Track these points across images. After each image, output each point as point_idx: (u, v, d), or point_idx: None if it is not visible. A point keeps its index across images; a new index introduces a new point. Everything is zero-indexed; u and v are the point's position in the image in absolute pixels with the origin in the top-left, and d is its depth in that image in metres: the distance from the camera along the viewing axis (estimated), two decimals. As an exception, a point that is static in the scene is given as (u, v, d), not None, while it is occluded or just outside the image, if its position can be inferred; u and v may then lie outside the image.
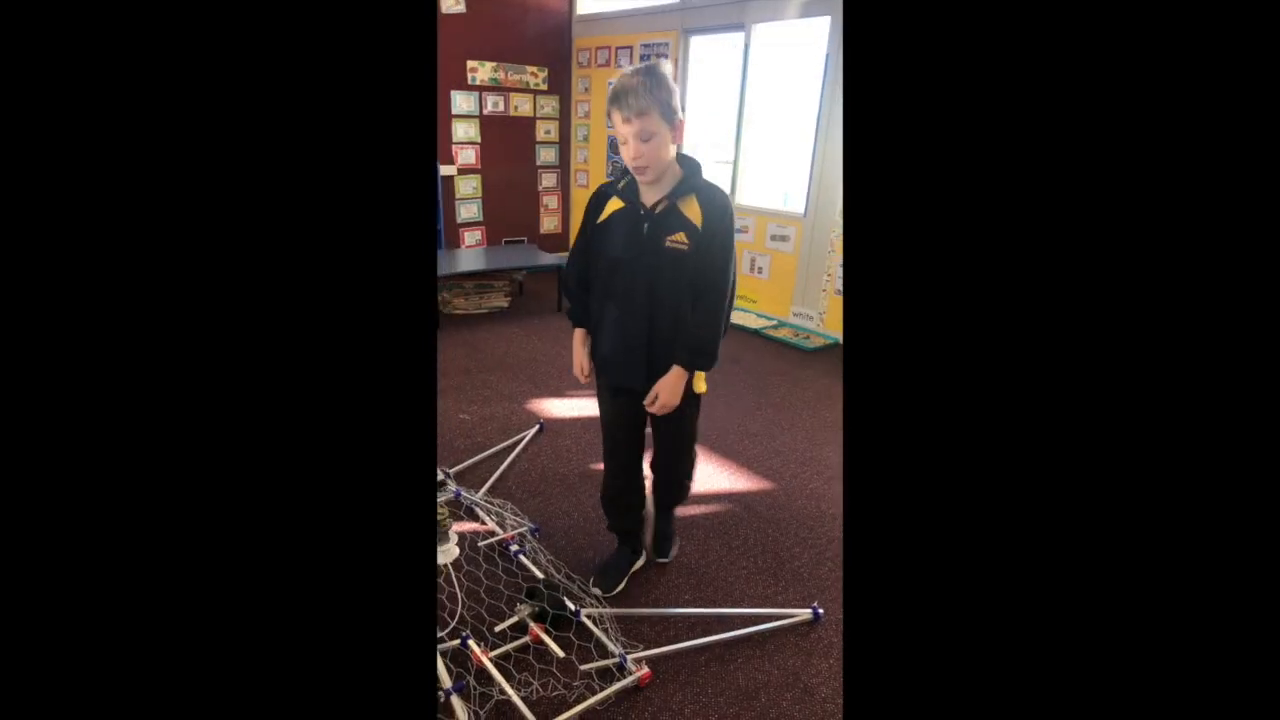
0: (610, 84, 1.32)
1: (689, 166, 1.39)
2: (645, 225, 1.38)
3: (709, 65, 4.46)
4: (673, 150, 1.34)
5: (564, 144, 5.42)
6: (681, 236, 1.36)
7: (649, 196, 1.39)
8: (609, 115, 1.32)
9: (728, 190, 4.27)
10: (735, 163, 4.26)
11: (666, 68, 1.31)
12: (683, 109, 1.32)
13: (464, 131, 4.88)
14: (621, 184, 1.43)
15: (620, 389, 1.57)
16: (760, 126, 4.16)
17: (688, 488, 1.81)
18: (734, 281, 1.45)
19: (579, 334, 1.59)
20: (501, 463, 2.35)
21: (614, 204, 1.44)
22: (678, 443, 1.69)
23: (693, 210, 1.37)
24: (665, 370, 1.47)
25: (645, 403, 1.50)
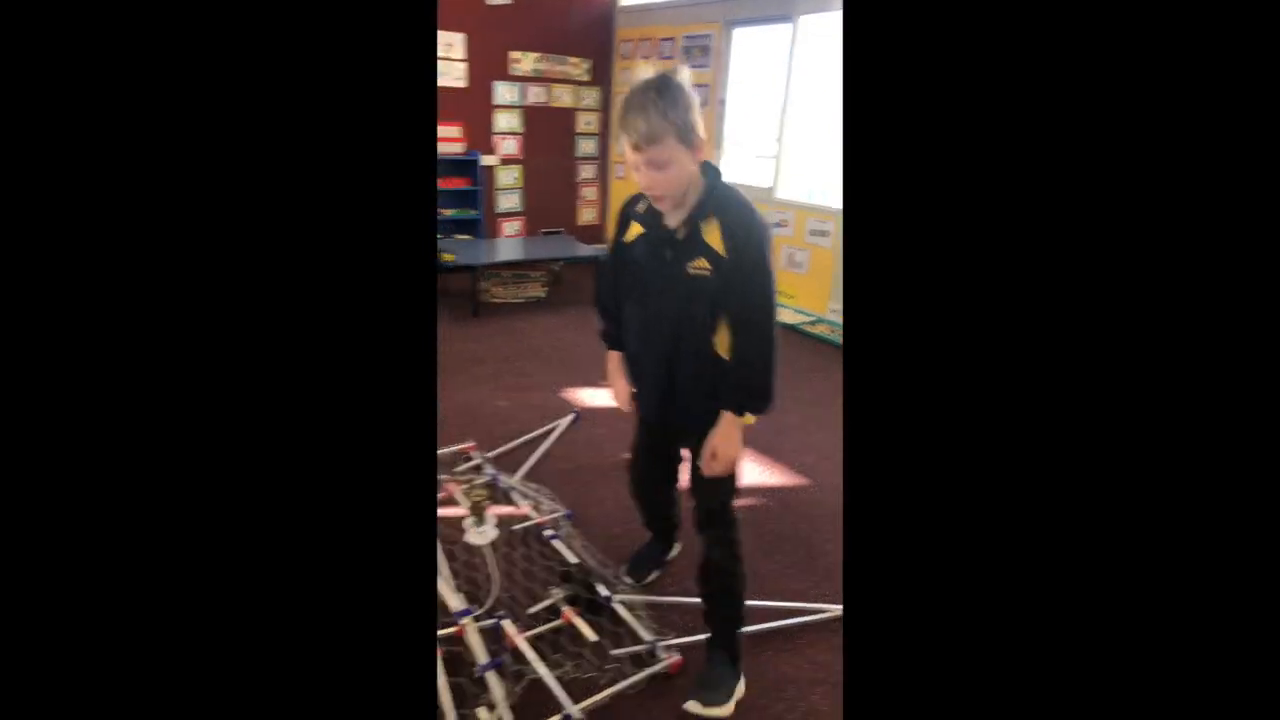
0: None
1: (709, 177, 1.22)
2: (668, 252, 1.24)
3: (753, 58, 4.41)
4: (693, 169, 1.17)
5: (604, 136, 5.43)
6: (703, 263, 1.20)
7: (671, 218, 1.24)
8: (619, 139, 1.17)
9: (768, 182, 4.24)
10: (777, 157, 4.22)
11: (684, 75, 1.13)
12: (708, 119, 1.22)
13: (506, 122, 4.93)
14: (641, 206, 1.29)
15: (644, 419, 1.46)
16: (803, 120, 4.11)
17: (727, 572, 1.40)
18: (775, 297, 1.25)
19: (614, 358, 1.46)
20: (537, 448, 2.39)
21: (636, 228, 1.31)
22: (708, 495, 1.36)
23: (714, 236, 1.20)
24: (688, 403, 1.30)
25: (702, 465, 1.29)
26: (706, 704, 1.37)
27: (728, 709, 1.39)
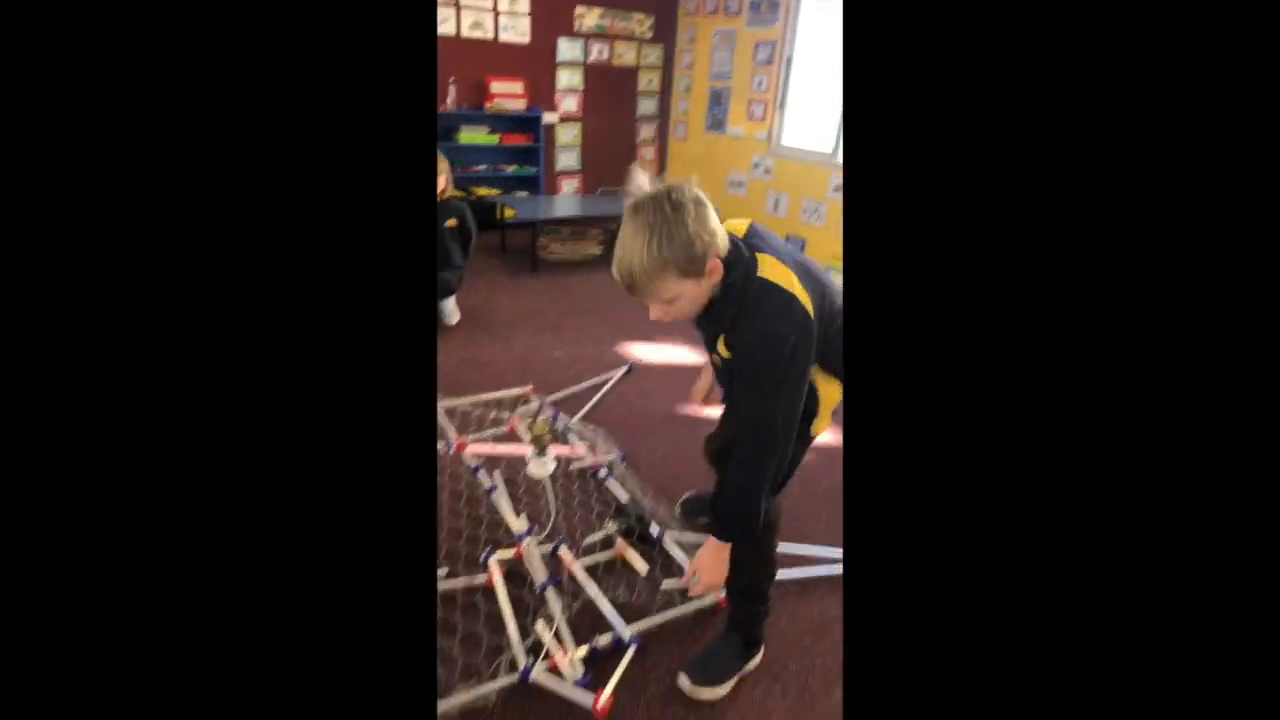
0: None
1: (730, 277, 1.02)
2: (706, 325, 1.14)
3: (823, 14, 4.27)
4: (710, 285, 1.01)
5: (664, 95, 5.38)
6: (716, 359, 1.14)
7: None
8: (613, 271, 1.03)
9: (829, 146, 4.12)
10: (841, 119, 4.11)
11: (688, 193, 0.95)
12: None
13: (567, 79, 4.92)
14: None
15: None
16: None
17: (748, 568, 1.26)
18: (787, 428, 1.05)
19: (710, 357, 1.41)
20: (592, 396, 2.46)
21: None
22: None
23: (722, 344, 1.09)
24: None
25: (683, 581, 1.22)
26: (696, 683, 1.32)
27: (714, 694, 1.34)
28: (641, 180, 0.97)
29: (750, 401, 1.05)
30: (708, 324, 1.08)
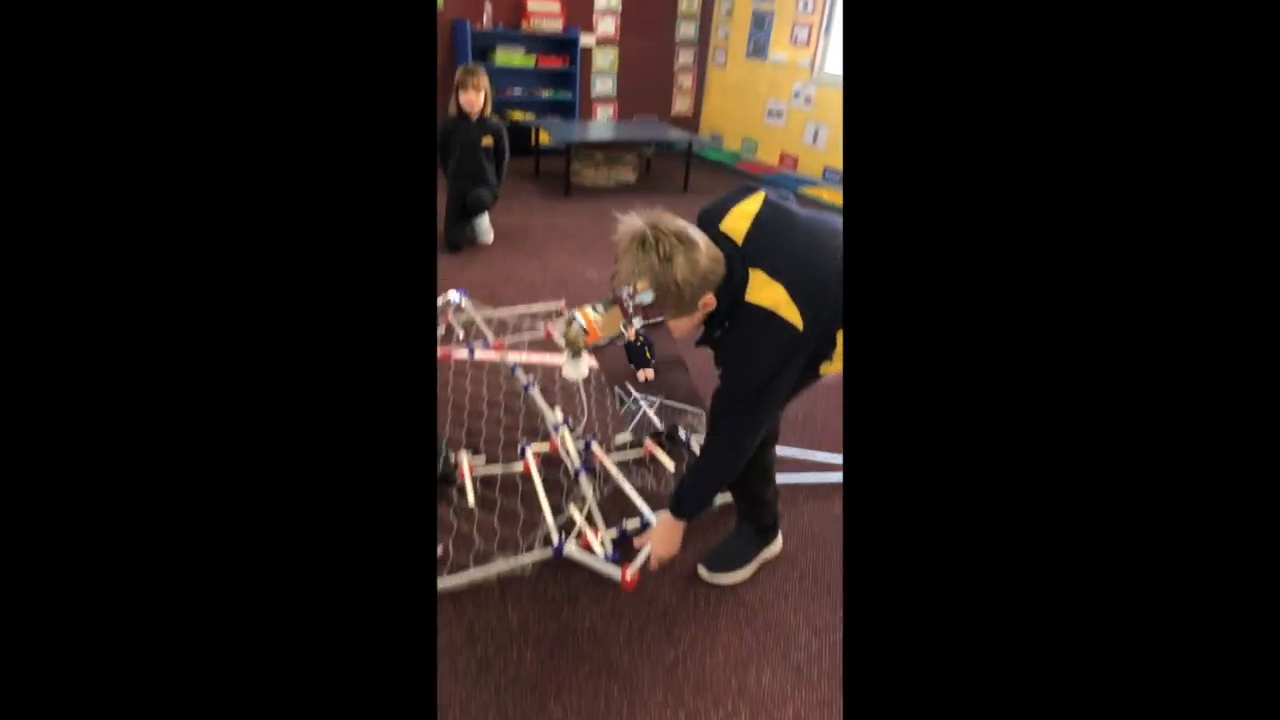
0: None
1: (725, 293, 1.06)
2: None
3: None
4: (706, 309, 1.07)
5: (705, 18, 5.18)
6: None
7: None
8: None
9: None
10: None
11: (676, 241, 0.99)
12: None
13: (606, -1, 4.78)
14: None
15: None
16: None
17: (745, 479, 1.32)
18: (756, 435, 1.14)
19: None
20: (624, 314, 2.51)
21: None
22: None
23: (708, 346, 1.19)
24: None
25: (638, 546, 1.38)
26: (713, 570, 1.44)
27: (732, 579, 1.44)
28: (631, 221, 1.01)
29: (728, 408, 1.14)
30: (700, 337, 1.16)
